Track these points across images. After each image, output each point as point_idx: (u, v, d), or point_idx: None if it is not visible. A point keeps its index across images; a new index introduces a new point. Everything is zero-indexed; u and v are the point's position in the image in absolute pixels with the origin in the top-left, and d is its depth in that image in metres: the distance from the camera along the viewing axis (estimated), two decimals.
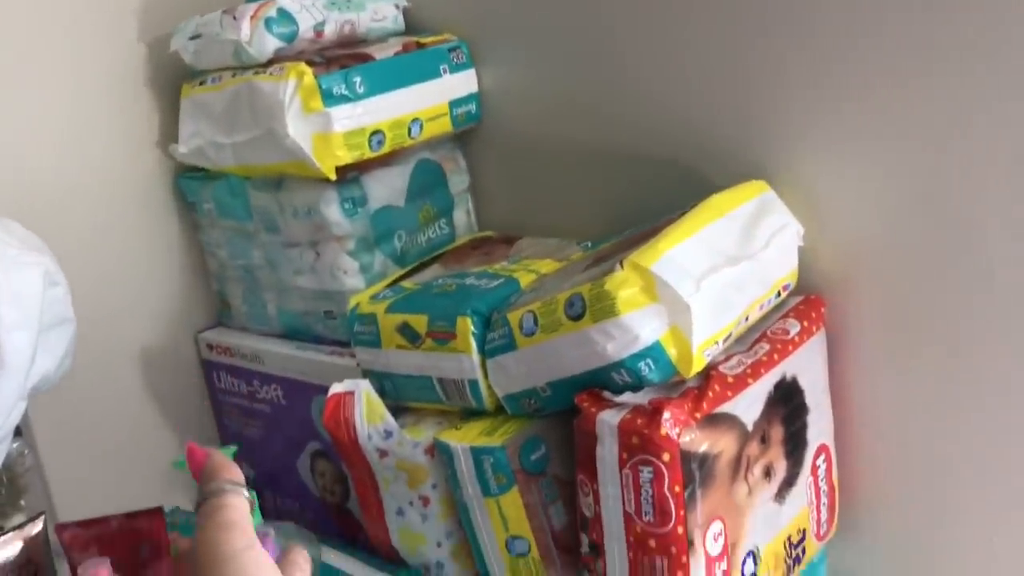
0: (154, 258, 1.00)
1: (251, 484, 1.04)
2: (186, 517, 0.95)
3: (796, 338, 0.77)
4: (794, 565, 0.79)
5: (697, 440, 0.67)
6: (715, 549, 0.69)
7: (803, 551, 0.80)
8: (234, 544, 0.42)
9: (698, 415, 0.67)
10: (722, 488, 0.70)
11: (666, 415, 0.66)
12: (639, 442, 0.66)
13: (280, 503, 1.02)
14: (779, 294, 0.78)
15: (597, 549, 0.71)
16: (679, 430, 0.66)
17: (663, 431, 0.65)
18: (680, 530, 0.67)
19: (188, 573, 0.43)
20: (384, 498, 0.84)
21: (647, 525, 0.68)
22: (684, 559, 0.67)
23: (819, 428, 0.80)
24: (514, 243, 0.96)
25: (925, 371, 0.79)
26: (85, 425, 0.93)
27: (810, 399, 0.79)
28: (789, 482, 0.77)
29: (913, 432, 0.82)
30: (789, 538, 0.77)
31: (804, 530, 0.79)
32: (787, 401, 0.76)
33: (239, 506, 0.44)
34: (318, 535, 0.91)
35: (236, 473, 0.46)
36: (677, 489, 0.66)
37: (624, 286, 0.68)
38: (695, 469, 0.67)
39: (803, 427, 0.78)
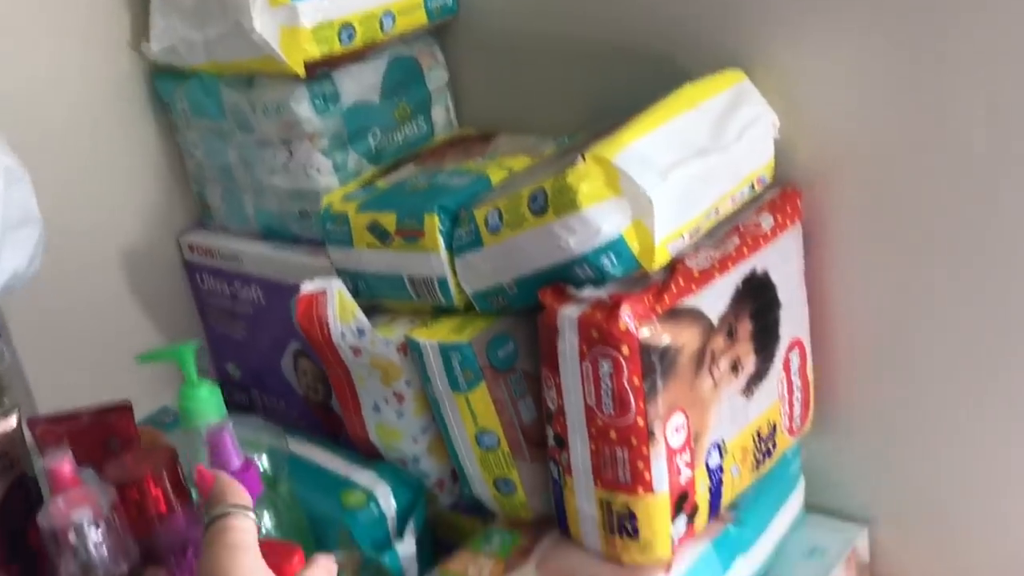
0: (133, 160, 1.00)
1: (238, 384, 1.06)
2: (173, 418, 0.96)
3: (768, 232, 0.76)
4: (764, 458, 0.79)
5: (657, 333, 0.67)
6: (676, 440, 0.69)
7: (774, 445, 0.80)
8: (243, 565, 0.42)
9: (659, 309, 0.67)
10: (684, 381, 0.70)
11: (625, 309, 0.65)
12: (598, 336, 0.66)
13: (267, 402, 1.04)
14: (753, 187, 0.77)
15: (562, 441, 0.72)
16: (638, 323, 0.66)
17: (621, 325, 0.65)
18: (640, 422, 0.67)
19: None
20: (360, 395, 0.85)
21: (607, 417, 0.68)
22: (644, 450, 0.68)
23: (792, 323, 0.80)
24: (492, 140, 0.94)
25: (904, 264, 0.78)
26: (68, 326, 0.94)
27: (782, 293, 0.78)
28: (758, 376, 0.77)
29: (891, 327, 0.81)
30: (758, 432, 0.78)
31: (775, 424, 0.79)
32: (757, 295, 0.75)
33: (247, 528, 0.44)
34: (301, 431, 0.93)
35: (243, 496, 0.46)
36: (636, 382, 0.66)
37: (586, 179, 0.67)
38: (655, 362, 0.67)
39: (774, 322, 0.78)
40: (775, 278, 0.77)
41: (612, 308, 0.66)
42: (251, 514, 0.45)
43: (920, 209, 0.76)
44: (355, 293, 0.83)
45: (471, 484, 0.82)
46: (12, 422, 0.70)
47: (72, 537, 0.56)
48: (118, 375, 0.97)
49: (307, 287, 0.82)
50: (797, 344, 0.81)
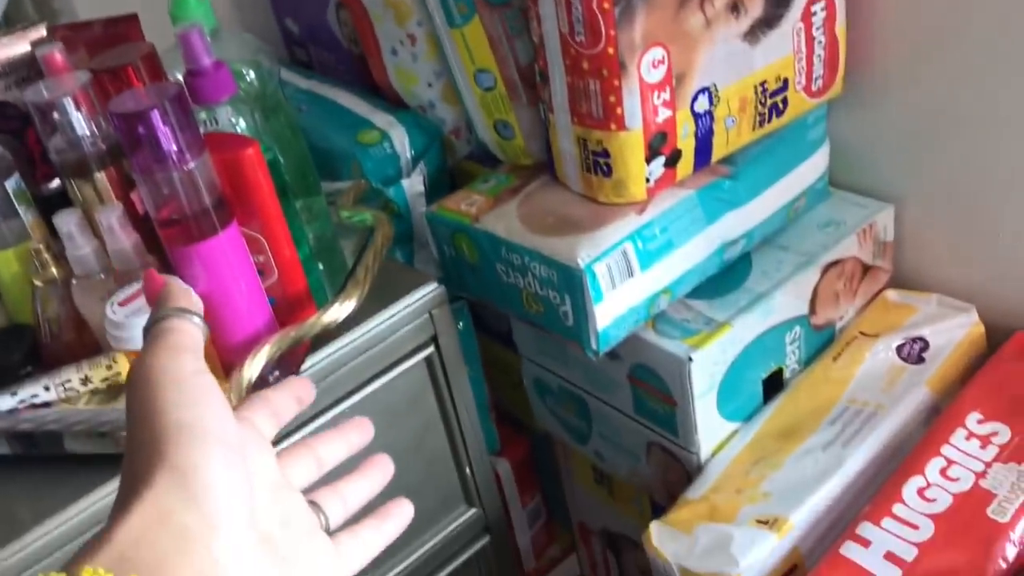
0: None
1: (297, 41, 1.08)
2: None
3: None
4: (771, 115, 0.76)
5: None
6: (653, 76, 0.67)
7: (784, 102, 0.76)
8: (184, 368, 0.38)
9: None
10: (666, 13, 0.66)
11: None
12: None
13: (321, 57, 1.07)
14: None
15: (544, 76, 0.71)
16: None
17: None
18: (611, 51, 0.65)
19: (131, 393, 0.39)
20: (379, 37, 0.87)
21: (579, 46, 0.66)
22: (616, 82, 0.66)
23: None
24: None
25: None
26: None
27: None
28: (766, 23, 0.72)
29: None
30: (763, 84, 0.74)
31: (786, 79, 0.75)
32: None
33: (191, 332, 0.40)
34: (343, 82, 0.97)
35: (192, 302, 0.42)
36: (606, 6, 0.64)
37: None
38: None
39: None
40: None
41: None
42: (197, 320, 0.41)
43: None
44: None
45: (476, 128, 0.83)
46: (42, 31, 0.76)
47: (56, 115, 0.62)
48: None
49: None
50: None
